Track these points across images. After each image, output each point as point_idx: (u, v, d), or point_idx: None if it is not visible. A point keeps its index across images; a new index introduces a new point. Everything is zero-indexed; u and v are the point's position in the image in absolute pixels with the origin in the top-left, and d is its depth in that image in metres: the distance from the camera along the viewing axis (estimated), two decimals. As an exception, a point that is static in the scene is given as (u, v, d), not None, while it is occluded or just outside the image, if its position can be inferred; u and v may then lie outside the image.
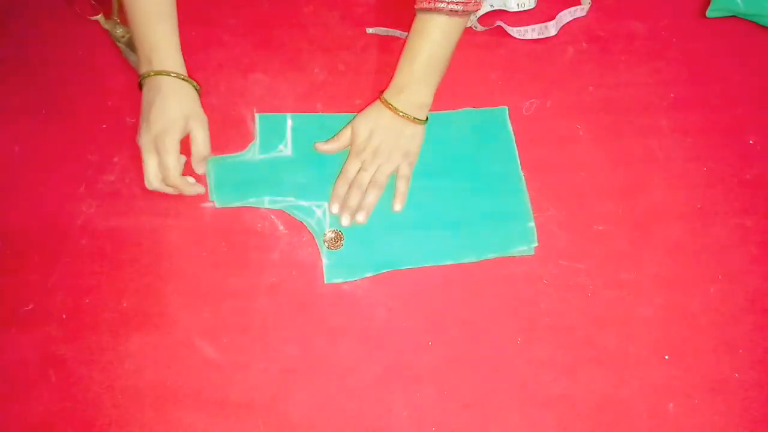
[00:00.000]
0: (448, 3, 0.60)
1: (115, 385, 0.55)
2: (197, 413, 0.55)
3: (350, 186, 0.64)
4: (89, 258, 0.60)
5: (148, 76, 0.61)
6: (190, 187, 0.62)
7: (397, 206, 0.64)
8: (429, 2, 0.61)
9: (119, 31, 0.68)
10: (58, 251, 0.60)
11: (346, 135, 0.65)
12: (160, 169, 0.60)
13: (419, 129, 0.65)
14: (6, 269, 0.59)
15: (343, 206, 0.63)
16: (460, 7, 0.61)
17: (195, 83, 0.62)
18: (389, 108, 0.64)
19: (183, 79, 0.61)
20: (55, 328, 0.57)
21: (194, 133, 0.62)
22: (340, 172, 0.64)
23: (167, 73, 0.60)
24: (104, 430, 0.54)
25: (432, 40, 0.62)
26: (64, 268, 0.59)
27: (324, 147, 0.65)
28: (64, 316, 0.57)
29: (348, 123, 0.65)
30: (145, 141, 0.60)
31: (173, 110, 0.60)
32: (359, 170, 0.64)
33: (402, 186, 0.64)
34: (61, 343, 0.56)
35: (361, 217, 0.63)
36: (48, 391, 0.55)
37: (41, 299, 0.58)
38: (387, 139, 0.64)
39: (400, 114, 0.63)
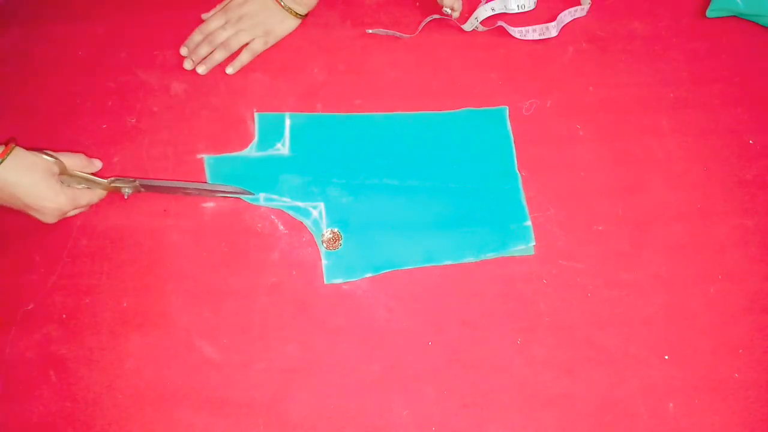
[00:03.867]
0: None
1: (115, 385, 0.55)
2: (197, 413, 0.55)
3: (205, 38, 0.69)
4: (89, 258, 0.60)
5: None
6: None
7: (229, 69, 0.68)
8: None
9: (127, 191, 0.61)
10: (58, 251, 0.60)
11: None
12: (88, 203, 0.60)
13: (292, 22, 0.70)
14: (6, 269, 0.59)
15: (191, 53, 0.69)
16: None
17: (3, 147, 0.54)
18: None
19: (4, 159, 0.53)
20: (55, 328, 0.57)
21: (67, 163, 0.57)
22: (203, 22, 0.70)
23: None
24: (104, 430, 0.54)
25: None
26: (64, 268, 0.59)
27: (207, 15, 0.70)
28: (64, 316, 0.57)
29: None
30: (57, 217, 0.58)
31: (42, 190, 0.55)
32: (219, 27, 0.68)
33: (245, 57, 0.69)
34: (61, 343, 0.56)
35: (201, 69, 0.68)
36: (48, 391, 0.55)
37: (41, 299, 0.58)
38: (258, 11, 0.68)
39: (282, 5, 0.68)
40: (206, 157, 0.64)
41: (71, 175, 0.58)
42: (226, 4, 0.70)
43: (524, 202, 0.64)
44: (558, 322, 0.59)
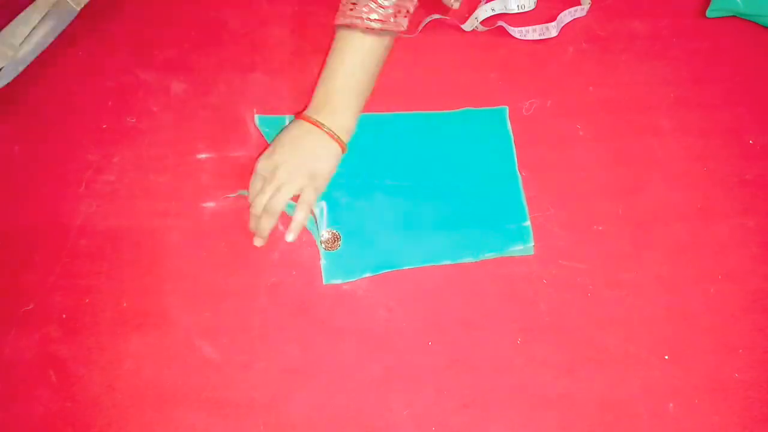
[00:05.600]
0: (364, 20, 0.55)
1: (115, 385, 0.55)
2: (197, 413, 0.55)
3: (251, 211, 0.60)
4: (89, 258, 0.60)
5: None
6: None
7: (289, 236, 0.58)
8: (344, 17, 0.56)
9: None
10: (58, 251, 0.60)
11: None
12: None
13: (336, 152, 0.59)
14: (6, 269, 0.59)
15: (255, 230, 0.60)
16: (377, 25, 0.55)
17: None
18: (310, 122, 0.58)
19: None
20: (55, 328, 0.57)
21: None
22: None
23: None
24: (104, 430, 0.54)
25: (348, 61, 0.58)
26: (64, 268, 0.59)
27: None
28: (64, 316, 0.57)
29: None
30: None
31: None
32: (258, 192, 0.58)
33: (300, 215, 0.58)
34: (61, 343, 0.56)
35: (258, 242, 0.59)
36: (48, 391, 0.55)
37: (41, 299, 0.58)
38: (292, 155, 0.58)
39: (325, 129, 0.58)
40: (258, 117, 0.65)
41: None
42: (258, 166, 0.60)
43: (524, 203, 0.64)
44: (558, 322, 0.59)
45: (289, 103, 0.68)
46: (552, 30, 0.72)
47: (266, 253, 0.61)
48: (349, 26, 0.57)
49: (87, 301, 0.58)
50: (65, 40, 0.70)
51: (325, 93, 0.59)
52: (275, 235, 0.62)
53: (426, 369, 0.57)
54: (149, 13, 0.73)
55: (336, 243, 0.61)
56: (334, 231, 0.62)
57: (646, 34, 0.75)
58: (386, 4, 0.56)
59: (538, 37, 0.73)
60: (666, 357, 0.58)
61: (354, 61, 0.58)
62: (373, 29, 0.57)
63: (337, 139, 0.59)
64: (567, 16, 0.74)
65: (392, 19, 0.56)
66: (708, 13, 0.75)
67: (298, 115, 0.61)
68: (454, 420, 0.55)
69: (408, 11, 0.58)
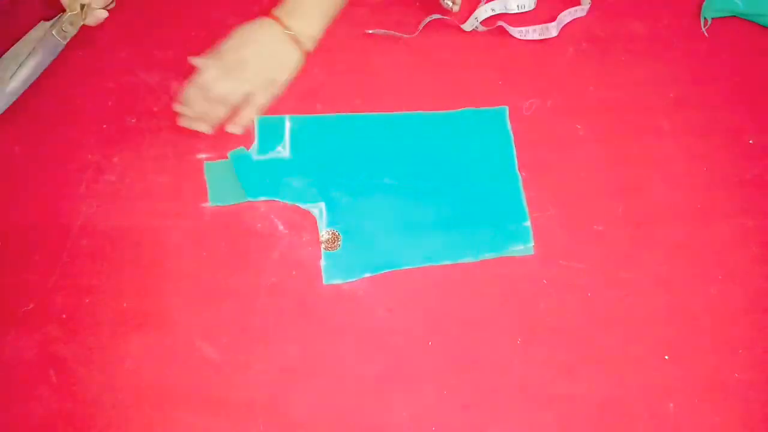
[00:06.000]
0: None
1: (115, 385, 0.55)
2: (197, 413, 0.55)
3: (204, 96, 0.60)
4: (89, 258, 0.60)
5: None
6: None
7: (233, 128, 0.61)
8: None
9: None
10: (58, 251, 0.60)
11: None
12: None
13: (294, 59, 0.60)
14: (6, 269, 0.59)
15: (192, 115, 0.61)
16: None
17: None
18: (278, 22, 0.58)
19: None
20: (55, 328, 0.57)
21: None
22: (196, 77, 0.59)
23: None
24: (104, 430, 0.54)
25: None
26: (64, 268, 0.59)
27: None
28: (64, 316, 0.57)
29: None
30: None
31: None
32: (216, 78, 0.58)
33: (249, 114, 0.59)
34: (61, 343, 0.56)
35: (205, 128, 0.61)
36: (48, 391, 0.55)
37: (41, 299, 0.58)
38: (259, 53, 0.58)
39: (290, 33, 0.58)
40: (206, 163, 0.64)
41: None
42: (221, 51, 0.60)
43: (524, 203, 0.64)
44: (558, 322, 0.59)
45: (289, 103, 0.68)
46: (552, 30, 0.73)
47: (266, 253, 0.61)
48: None
49: (87, 301, 0.58)
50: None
51: None
52: (275, 235, 0.62)
53: (426, 369, 0.57)
54: (149, 13, 0.73)
55: (336, 243, 0.61)
56: (334, 231, 0.62)
57: (646, 34, 0.75)
58: None
59: (538, 37, 0.73)
60: (666, 357, 0.58)
61: None
62: None
63: (298, 43, 0.60)
64: (567, 16, 0.74)
65: None
66: (704, 14, 0.75)
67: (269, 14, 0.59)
68: (454, 420, 0.55)
69: None
